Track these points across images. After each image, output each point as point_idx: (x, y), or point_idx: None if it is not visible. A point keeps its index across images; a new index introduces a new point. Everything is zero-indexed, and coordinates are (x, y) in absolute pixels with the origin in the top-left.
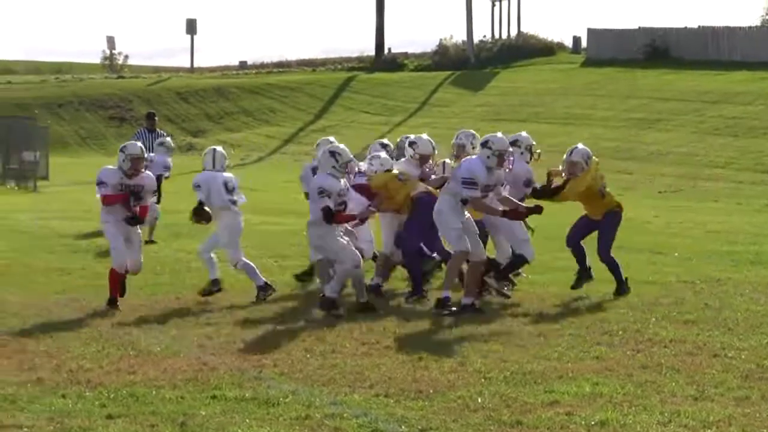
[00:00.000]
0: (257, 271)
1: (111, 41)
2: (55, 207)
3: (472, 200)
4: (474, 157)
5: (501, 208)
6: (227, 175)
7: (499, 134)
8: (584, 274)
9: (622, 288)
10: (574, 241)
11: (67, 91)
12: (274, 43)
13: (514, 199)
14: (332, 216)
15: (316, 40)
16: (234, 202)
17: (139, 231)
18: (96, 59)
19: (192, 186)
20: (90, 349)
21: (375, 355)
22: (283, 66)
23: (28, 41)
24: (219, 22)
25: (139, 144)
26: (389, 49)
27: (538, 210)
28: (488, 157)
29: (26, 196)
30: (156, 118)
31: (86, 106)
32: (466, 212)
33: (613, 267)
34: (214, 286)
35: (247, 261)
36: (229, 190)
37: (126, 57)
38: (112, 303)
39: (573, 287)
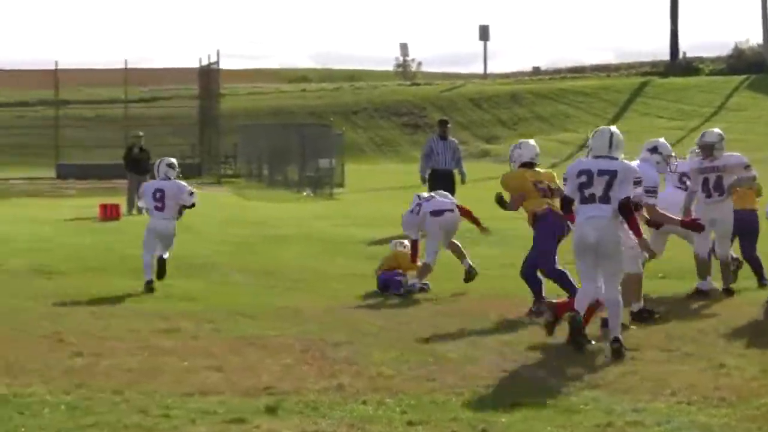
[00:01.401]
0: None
1: (404, 48)
2: (350, 213)
3: (650, 207)
4: (642, 163)
5: (678, 217)
6: None
7: (662, 139)
8: None
9: None
10: None
11: (361, 98)
12: (568, 48)
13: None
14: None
15: (609, 44)
16: None
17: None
18: (389, 66)
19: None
20: (389, 355)
21: (675, 362)
22: (577, 71)
23: (321, 49)
24: (512, 27)
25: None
26: (684, 54)
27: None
28: (658, 162)
29: (322, 203)
30: (449, 126)
31: (380, 113)
32: None
33: None
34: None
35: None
36: None
37: (419, 64)
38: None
39: None
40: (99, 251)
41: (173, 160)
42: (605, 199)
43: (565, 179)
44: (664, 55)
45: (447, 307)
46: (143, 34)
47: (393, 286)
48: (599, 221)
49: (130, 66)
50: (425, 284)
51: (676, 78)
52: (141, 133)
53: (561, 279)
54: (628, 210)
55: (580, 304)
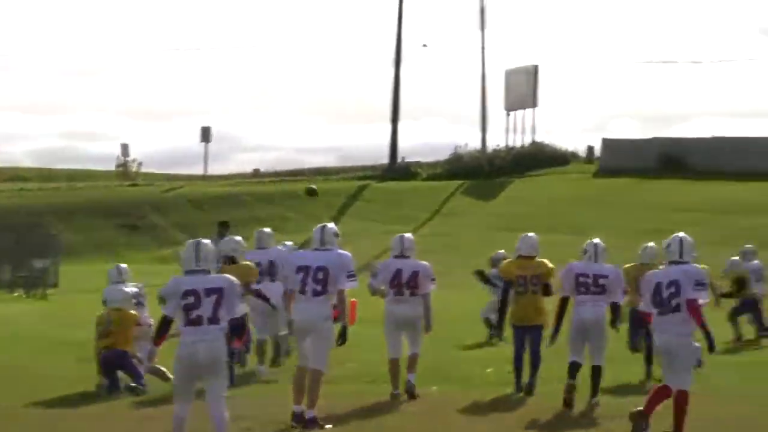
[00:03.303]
0: None
1: (125, 148)
2: (63, 314)
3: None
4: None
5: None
6: None
7: None
8: None
9: None
10: None
11: (79, 198)
12: (288, 151)
13: None
14: None
15: (330, 146)
16: None
17: None
18: (111, 166)
19: None
20: None
21: None
22: (296, 174)
23: (41, 146)
24: (234, 129)
25: None
26: (403, 158)
27: None
28: None
29: (34, 303)
30: (228, 226)
31: (98, 214)
32: None
33: None
34: None
35: None
36: None
37: (140, 164)
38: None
39: None
40: None
41: None
42: (215, 320)
43: (162, 299)
44: (384, 158)
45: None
46: None
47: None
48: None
49: None
50: None
51: (393, 182)
52: None
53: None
54: (241, 329)
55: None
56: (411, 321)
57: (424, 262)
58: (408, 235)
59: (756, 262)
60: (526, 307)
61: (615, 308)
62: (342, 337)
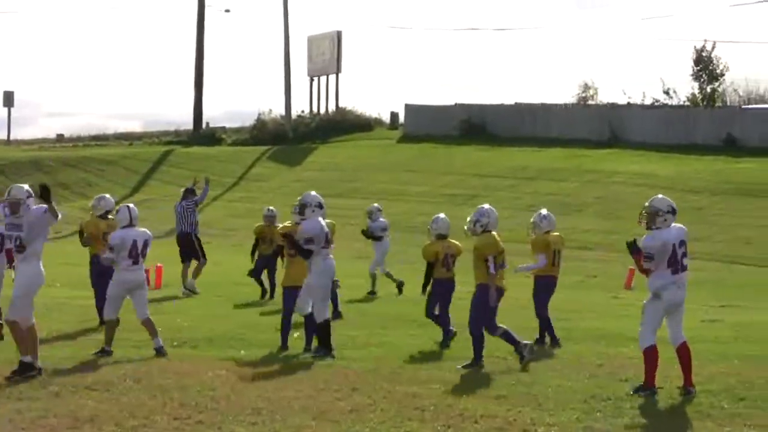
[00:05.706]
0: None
1: None
2: None
3: None
4: None
5: None
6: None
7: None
8: None
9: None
10: None
11: None
12: (94, 116)
13: None
14: None
15: (135, 112)
16: None
17: None
18: None
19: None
20: None
21: (187, 431)
22: (100, 139)
23: None
24: (38, 94)
25: None
26: (207, 123)
27: None
28: None
29: None
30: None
31: None
32: None
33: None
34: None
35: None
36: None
37: None
38: None
39: None
40: None
41: None
42: None
43: None
44: (189, 124)
45: None
46: None
47: None
48: None
49: None
50: None
51: (198, 147)
52: None
53: None
54: None
55: None
56: (141, 285)
57: (148, 230)
58: (132, 205)
59: (382, 219)
60: (297, 269)
61: None
62: None
